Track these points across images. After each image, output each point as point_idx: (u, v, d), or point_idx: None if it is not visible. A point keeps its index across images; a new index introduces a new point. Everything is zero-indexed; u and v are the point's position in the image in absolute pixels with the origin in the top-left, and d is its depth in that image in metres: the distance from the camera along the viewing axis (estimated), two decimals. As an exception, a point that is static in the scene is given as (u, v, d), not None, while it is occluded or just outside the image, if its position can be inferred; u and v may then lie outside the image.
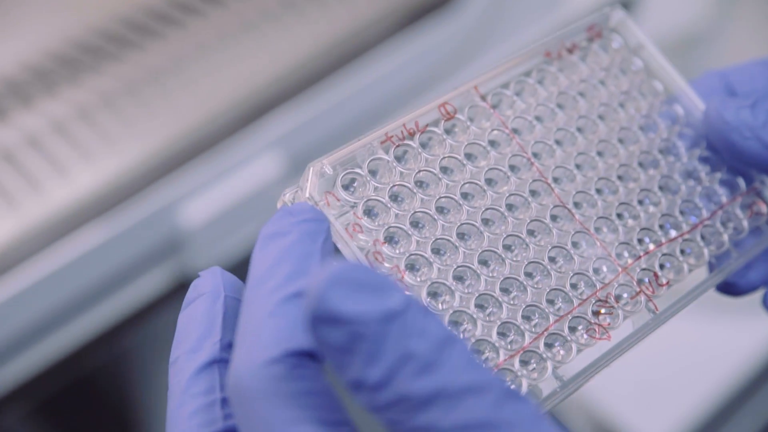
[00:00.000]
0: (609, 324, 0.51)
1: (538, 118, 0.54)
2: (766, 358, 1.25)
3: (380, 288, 0.39)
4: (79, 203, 0.86)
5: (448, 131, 0.51)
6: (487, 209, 0.50)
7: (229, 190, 0.91)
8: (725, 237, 0.55)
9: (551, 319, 0.50)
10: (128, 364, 1.10)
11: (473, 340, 0.48)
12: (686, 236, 0.54)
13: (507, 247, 0.50)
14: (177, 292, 0.93)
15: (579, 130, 0.54)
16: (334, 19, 0.99)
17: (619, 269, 0.52)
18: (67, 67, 0.94)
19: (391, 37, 0.99)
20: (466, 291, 0.48)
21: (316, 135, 0.96)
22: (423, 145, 0.50)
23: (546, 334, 0.49)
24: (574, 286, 0.51)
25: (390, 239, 0.48)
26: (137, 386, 1.11)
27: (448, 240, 0.49)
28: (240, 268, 0.94)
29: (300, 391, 0.41)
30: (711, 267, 0.56)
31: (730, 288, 0.58)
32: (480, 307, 0.49)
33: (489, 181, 0.51)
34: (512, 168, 0.52)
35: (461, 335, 0.48)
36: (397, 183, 0.49)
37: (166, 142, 0.90)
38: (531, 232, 0.51)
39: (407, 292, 0.42)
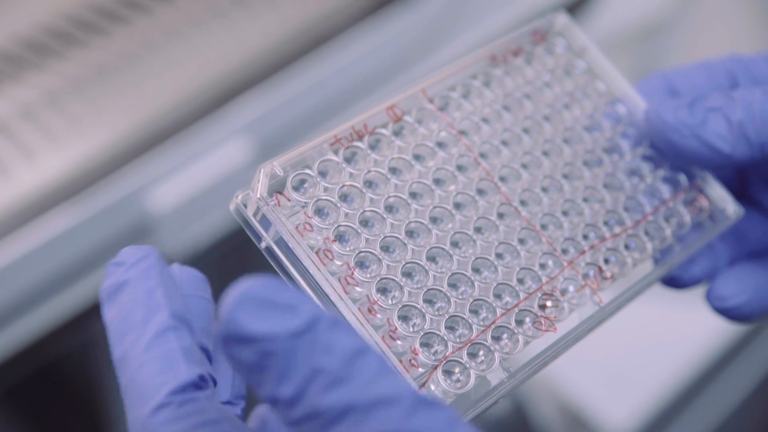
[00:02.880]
0: (555, 317, 0.53)
1: (484, 120, 0.55)
2: (727, 342, 1.27)
3: (288, 304, 0.39)
4: (46, 188, 0.87)
5: (396, 133, 0.53)
6: (435, 207, 0.52)
7: (197, 175, 0.92)
8: (668, 232, 0.57)
9: (498, 312, 0.51)
10: (96, 351, 1.10)
11: (422, 334, 0.49)
12: (630, 231, 0.56)
13: (455, 244, 0.52)
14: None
15: (525, 130, 0.56)
16: (302, 5, 1.00)
17: (565, 264, 0.54)
18: (35, 52, 0.95)
19: (359, 23, 0.99)
20: (415, 286, 0.50)
21: (285, 120, 0.97)
22: (372, 147, 0.52)
23: (493, 327, 0.51)
24: (521, 281, 0.53)
25: (340, 238, 0.50)
26: (105, 373, 1.12)
27: (398, 238, 0.51)
28: (208, 253, 0.96)
29: (195, 425, 0.42)
30: (656, 261, 0.58)
31: (674, 282, 0.59)
32: (428, 302, 0.50)
33: (437, 181, 0.53)
34: (459, 168, 0.54)
35: (410, 329, 0.49)
36: (347, 183, 0.51)
37: (134, 126, 0.91)
38: (478, 230, 0.53)
39: (318, 305, 0.42)
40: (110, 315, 0.45)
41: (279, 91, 0.95)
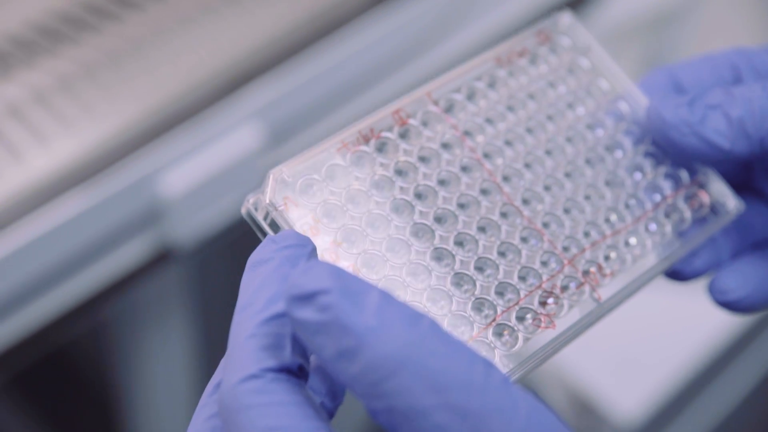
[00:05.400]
0: (555, 313, 0.54)
1: (488, 121, 0.57)
2: (738, 330, 1.28)
3: (344, 273, 0.43)
4: (58, 172, 0.88)
5: (402, 136, 0.54)
6: (439, 208, 0.54)
7: (209, 160, 0.93)
8: (669, 228, 0.58)
9: (500, 310, 0.53)
10: (106, 337, 1.11)
11: None
12: (630, 228, 0.57)
13: (458, 244, 0.53)
14: (157, 262, 0.94)
15: (528, 130, 0.57)
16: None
17: (565, 261, 0.55)
18: (47, 37, 0.96)
19: (371, 9, 1.00)
20: (418, 286, 0.52)
21: (296, 106, 0.98)
22: (378, 150, 0.53)
23: (495, 324, 0.53)
24: (522, 279, 0.54)
25: (346, 239, 0.51)
26: (115, 359, 1.13)
27: (402, 239, 0.52)
28: (219, 239, 0.97)
29: (276, 402, 0.43)
30: (657, 257, 0.59)
31: (677, 275, 0.61)
32: (432, 300, 0.52)
33: (441, 182, 0.54)
34: (464, 169, 0.55)
35: None
36: (353, 186, 0.52)
37: (146, 112, 0.92)
38: (481, 229, 0.54)
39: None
40: (244, 282, 0.47)
41: (290, 77, 0.96)
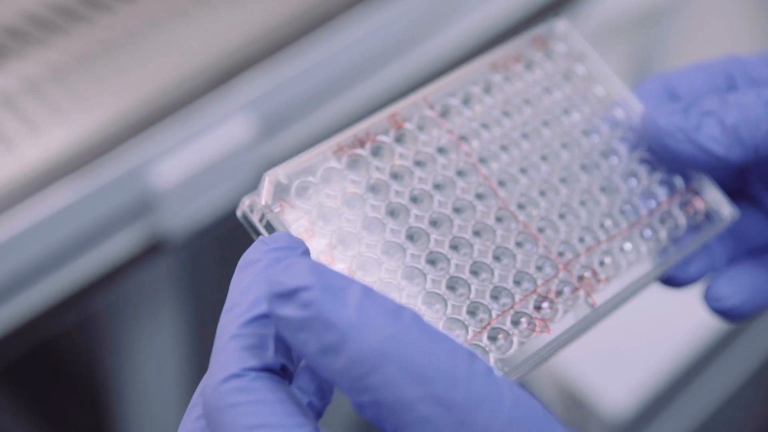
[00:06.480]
0: (550, 318, 0.54)
1: (484, 126, 0.57)
2: (726, 326, 1.28)
3: (325, 269, 0.43)
4: (49, 162, 0.87)
5: (398, 140, 0.54)
6: (434, 212, 0.54)
7: (201, 152, 0.93)
8: (663, 234, 0.59)
9: (494, 314, 0.53)
10: (95, 329, 1.11)
11: None
12: (625, 234, 0.58)
13: (454, 248, 0.53)
14: (147, 254, 0.94)
15: (524, 136, 0.57)
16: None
17: (560, 266, 0.55)
18: (40, 28, 0.95)
19: (364, 1, 1.00)
20: (414, 289, 0.52)
21: (288, 98, 0.98)
22: (373, 154, 0.53)
23: (489, 328, 0.53)
24: (517, 283, 0.54)
25: (342, 242, 0.51)
26: (104, 350, 1.12)
27: (397, 242, 0.52)
28: (210, 231, 0.97)
29: (259, 400, 0.44)
30: (651, 263, 0.59)
31: (671, 281, 0.61)
32: (427, 303, 0.52)
33: (437, 186, 0.54)
34: (459, 173, 0.55)
35: None
36: (349, 190, 0.52)
37: (138, 102, 0.92)
38: (477, 233, 0.54)
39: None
40: (233, 283, 0.47)
41: (283, 68, 0.96)
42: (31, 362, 1.16)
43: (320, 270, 0.43)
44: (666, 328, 1.26)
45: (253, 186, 0.52)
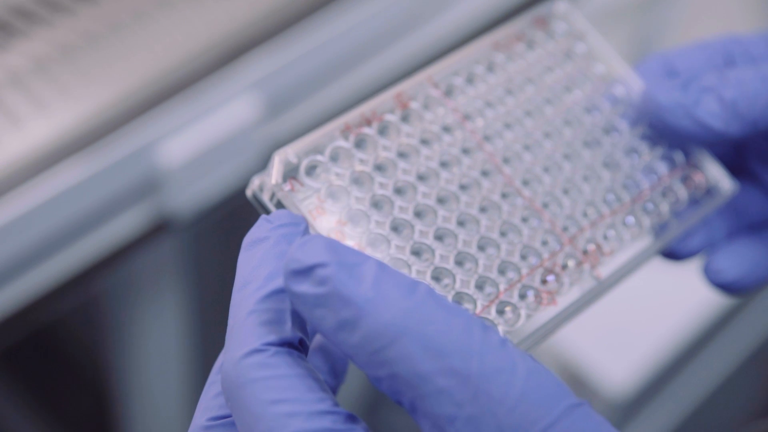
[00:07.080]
0: (556, 291, 0.55)
1: (488, 104, 0.58)
2: (728, 302, 1.29)
3: (340, 246, 0.44)
4: (56, 141, 0.88)
5: (404, 119, 0.55)
6: (441, 189, 0.55)
7: (207, 131, 0.93)
8: (665, 208, 0.60)
9: (502, 288, 0.54)
10: (99, 310, 1.11)
11: None
12: (627, 208, 0.59)
13: (461, 224, 0.55)
14: (153, 233, 0.95)
15: (527, 113, 0.59)
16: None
17: (565, 241, 0.56)
18: (48, 7, 0.96)
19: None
20: (422, 265, 0.53)
21: (294, 77, 0.98)
22: (380, 132, 0.55)
23: (497, 301, 0.54)
24: (523, 258, 0.55)
25: (351, 220, 0.52)
26: (107, 332, 1.13)
27: (405, 219, 0.53)
28: (216, 210, 0.98)
29: (279, 375, 0.45)
30: (654, 236, 0.60)
31: (672, 254, 0.62)
32: (436, 279, 0.53)
33: (443, 164, 0.55)
34: (464, 151, 0.56)
35: None
36: (357, 168, 0.53)
37: (144, 82, 0.92)
38: (483, 209, 0.56)
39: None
40: (241, 262, 0.48)
41: (288, 48, 0.96)
42: (32, 345, 1.16)
43: (335, 247, 0.44)
44: (666, 306, 1.27)
45: (259, 166, 0.53)
